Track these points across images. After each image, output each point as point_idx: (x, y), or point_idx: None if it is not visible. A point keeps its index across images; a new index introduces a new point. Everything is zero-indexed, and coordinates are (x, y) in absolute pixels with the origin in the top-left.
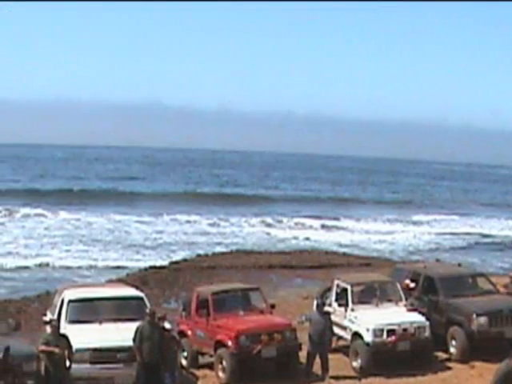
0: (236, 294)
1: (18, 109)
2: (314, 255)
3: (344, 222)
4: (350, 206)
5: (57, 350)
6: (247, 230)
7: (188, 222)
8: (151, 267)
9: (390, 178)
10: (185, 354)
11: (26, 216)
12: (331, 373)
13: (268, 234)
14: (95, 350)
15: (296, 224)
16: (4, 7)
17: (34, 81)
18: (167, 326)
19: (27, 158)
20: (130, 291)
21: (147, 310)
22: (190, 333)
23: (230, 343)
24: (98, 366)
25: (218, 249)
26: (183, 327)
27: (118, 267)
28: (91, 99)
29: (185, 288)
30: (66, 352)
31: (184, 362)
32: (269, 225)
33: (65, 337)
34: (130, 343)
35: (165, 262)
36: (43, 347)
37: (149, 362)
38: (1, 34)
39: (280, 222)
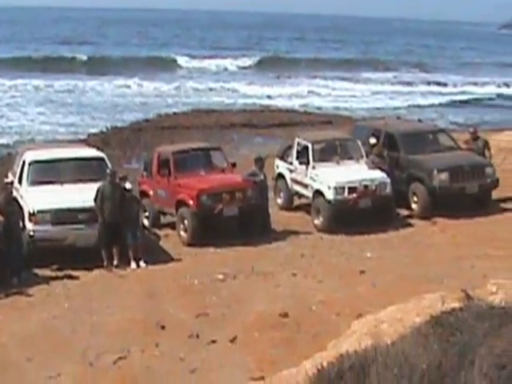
0: (197, 154)
1: None
2: (275, 114)
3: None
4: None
5: (1, 218)
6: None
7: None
8: (112, 128)
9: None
10: (146, 213)
11: None
12: (293, 229)
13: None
14: (57, 210)
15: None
16: None
17: None
18: (128, 186)
19: None
20: (91, 152)
21: (108, 171)
22: (151, 193)
23: (191, 202)
24: (60, 226)
25: (175, 109)
26: (144, 187)
27: (77, 128)
28: None
29: (146, 148)
30: (17, 216)
31: (146, 222)
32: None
33: (15, 200)
34: (92, 204)
35: (125, 124)
36: None
37: (110, 221)
38: None
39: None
